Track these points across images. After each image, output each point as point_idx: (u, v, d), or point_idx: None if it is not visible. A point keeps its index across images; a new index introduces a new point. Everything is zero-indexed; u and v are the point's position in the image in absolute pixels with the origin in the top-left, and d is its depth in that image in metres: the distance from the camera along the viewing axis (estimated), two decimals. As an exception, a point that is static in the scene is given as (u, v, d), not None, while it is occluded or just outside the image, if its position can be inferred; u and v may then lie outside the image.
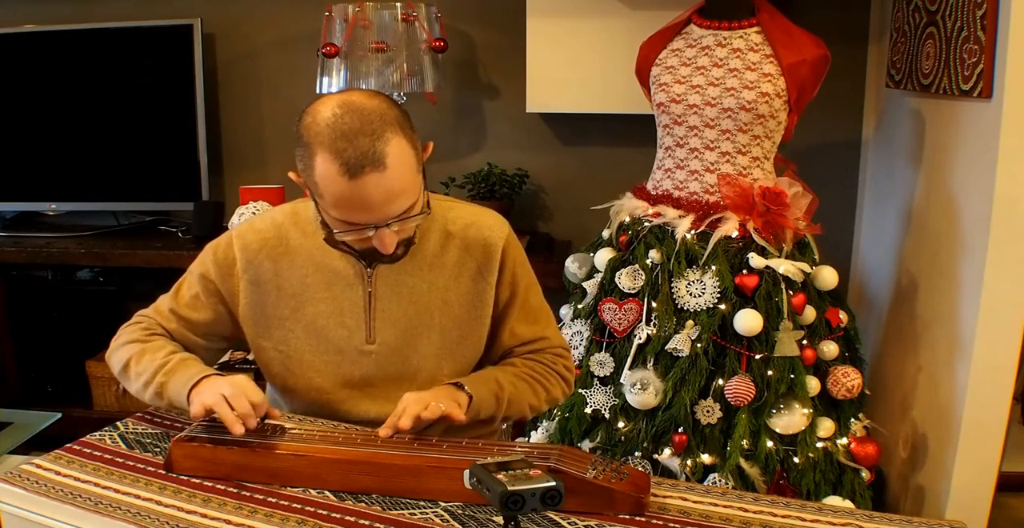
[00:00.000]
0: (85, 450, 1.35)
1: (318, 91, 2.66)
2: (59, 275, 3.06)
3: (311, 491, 1.24)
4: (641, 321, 2.17)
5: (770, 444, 2.09)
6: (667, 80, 2.19)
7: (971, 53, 1.97)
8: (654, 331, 2.15)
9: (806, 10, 2.66)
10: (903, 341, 2.42)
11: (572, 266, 2.40)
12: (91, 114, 2.95)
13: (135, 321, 1.54)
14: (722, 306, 2.11)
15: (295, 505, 1.20)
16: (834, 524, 1.18)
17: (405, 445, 1.28)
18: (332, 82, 2.64)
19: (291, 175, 1.38)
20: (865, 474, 2.19)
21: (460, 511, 1.19)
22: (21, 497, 1.21)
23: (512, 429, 2.38)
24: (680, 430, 2.11)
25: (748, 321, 2.07)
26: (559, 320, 2.30)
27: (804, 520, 1.19)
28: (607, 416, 2.21)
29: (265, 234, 1.48)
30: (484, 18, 2.89)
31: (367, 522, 1.16)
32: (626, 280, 2.19)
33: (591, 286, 2.29)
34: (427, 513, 1.19)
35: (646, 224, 2.21)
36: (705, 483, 2.09)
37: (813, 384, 2.14)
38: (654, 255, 2.17)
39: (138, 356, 1.45)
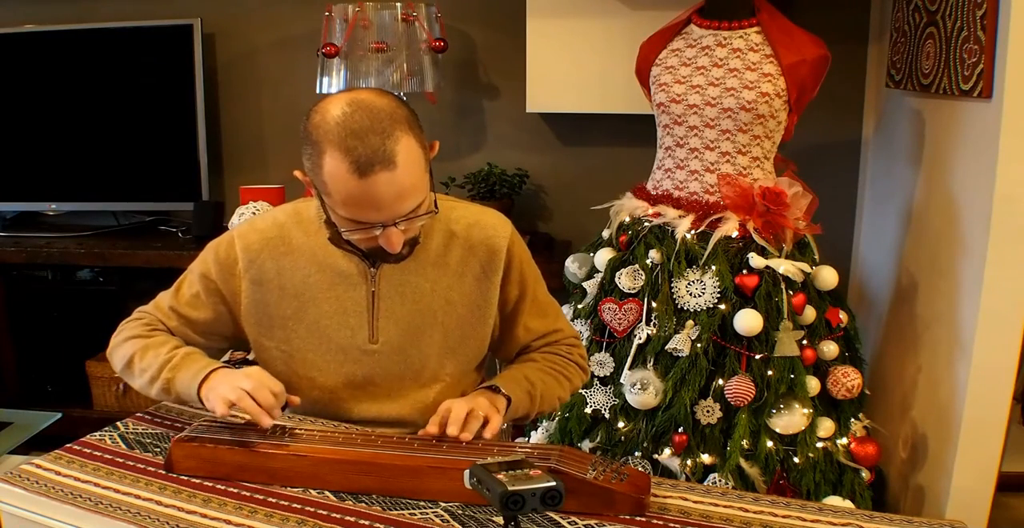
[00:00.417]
0: (85, 450, 1.35)
1: (318, 91, 2.66)
2: (59, 275, 3.06)
3: (311, 491, 1.24)
4: (641, 321, 2.17)
5: (770, 444, 2.09)
6: (667, 80, 2.19)
7: (971, 53, 1.97)
8: (654, 331, 2.15)
9: (806, 10, 2.66)
10: (903, 341, 2.42)
11: (572, 266, 2.40)
12: (91, 114, 2.95)
13: (135, 317, 1.54)
14: (722, 306, 2.11)
15: (295, 505, 1.20)
16: (834, 524, 1.18)
17: (405, 445, 1.28)
18: (332, 82, 2.64)
19: (296, 174, 1.38)
20: (865, 474, 2.19)
21: (460, 511, 1.19)
22: (21, 497, 1.21)
23: (512, 429, 2.38)
24: (680, 430, 2.11)
25: (748, 321, 2.07)
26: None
27: (804, 520, 1.19)
28: (607, 416, 2.21)
29: (267, 233, 1.48)
30: (484, 18, 2.89)
31: (367, 522, 1.16)
32: (626, 280, 2.19)
33: (591, 286, 2.29)
34: (427, 513, 1.19)
35: (646, 224, 2.21)
36: (705, 483, 2.09)
37: (813, 384, 2.14)
38: (654, 255, 2.17)
39: (141, 352, 1.44)
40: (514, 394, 1.43)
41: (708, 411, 2.10)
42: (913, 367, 2.34)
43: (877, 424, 2.34)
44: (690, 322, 2.12)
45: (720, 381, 2.10)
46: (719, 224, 2.14)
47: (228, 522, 1.15)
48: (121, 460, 1.32)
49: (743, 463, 2.08)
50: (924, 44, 2.26)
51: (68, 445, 1.36)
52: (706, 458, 2.11)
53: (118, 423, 1.45)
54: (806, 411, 2.10)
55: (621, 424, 2.19)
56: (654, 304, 2.15)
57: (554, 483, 0.95)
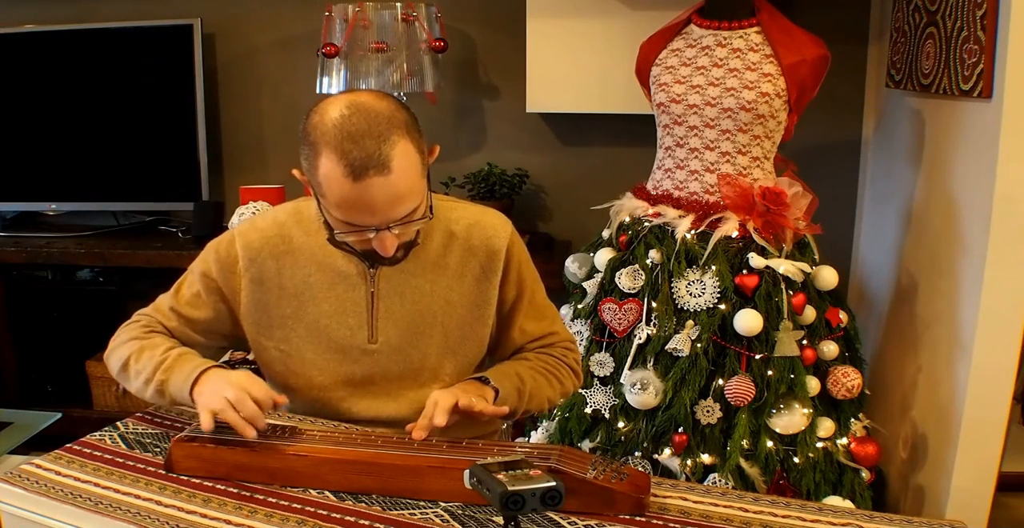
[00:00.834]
0: (85, 450, 1.35)
1: (318, 91, 2.66)
2: (59, 275, 3.06)
3: (311, 491, 1.24)
4: (641, 321, 2.17)
5: (770, 444, 2.09)
6: (667, 80, 2.19)
7: (971, 53, 1.97)
8: (654, 331, 2.15)
9: (806, 10, 2.66)
10: (903, 341, 2.42)
11: (572, 266, 2.40)
12: (91, 114, 2.95)
13: (134, 320, 1.54)
14: (722, 306, 2.11)
15: (295, 505, 1.20)
16: (834, 524, 1.18)
17: (405, 445, 1.28)
18: (332, 82, 2.64)
19: (295, 173, 1.38)
20: (865, 474, 2.19)
21: (460, 511, 1.19)
22: (21, 497, 1.21)
23: (512, 429, 2.38)
24: (680, 430, 2.11)
25: (748, 321, 2.07)
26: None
27: (804, 520, 1.19)
28: (607, 416, 2.21)
29: (267, 233, 1.48)
30: (484, 18, 2.89)
31: (367, 522, 1.16)
32: (626, 280, 2.19)
33: (591, 286, 2.29)
34: (427, 513, 1.19)
35: (646, 224, 2.21)
36: (705, 483, 2.09)
37: (813, 384, 2.14)
38: (654, 255, 2.17)
39: (137, 354, 1.44)
40: (503, 387, 1.42)
41: (708, 411, 2.10)
42: (913, 367, 2.34)
43: (877, 424, 2.34)
44: (690, 322, 2.12)
45: (720, 381, 2.10)
46: (719, 224, 2.14)
47: (228, 522, 1.15)
48: (121, 460, 1.32)
49: (743, 463, 2.08)
50: (924, 44, 2.26)
51: (68, 445, 1.36)
52: (706, 458, 2.11)
53: (118, 423, 1.45)
54: (806, 411, 2.10)
55: (621, 424, 2.19)
56: (654, 304, 2.15)
57: (554, 483, 0.95)
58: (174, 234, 2.97)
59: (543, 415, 2.35)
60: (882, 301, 2.61)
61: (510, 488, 0.93)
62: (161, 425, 1.45)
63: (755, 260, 2.10)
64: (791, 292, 2.12)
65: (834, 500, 2.10)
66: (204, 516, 1.16)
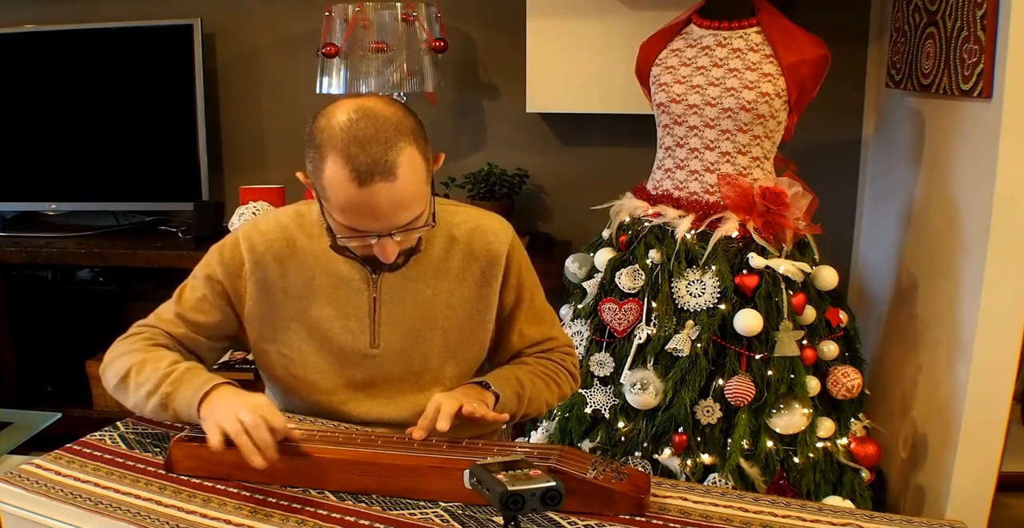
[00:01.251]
0: (85, 450, 1.35)
1: (318, 91, 2.66)
2: (59, 275, 3.06)
3: (311, 491, 1.24)
4: (641, 321, 2.17)
5: (770, 444, 2.09)
6: (667, 80, 2.19)
7: (971, 53, 1.97)
8: (654, 331, 2.15)
9: (806, 10, 2.66)
10: (903, 341, 2.42)
11: (572, 266, 2.40)
12: (91, 114, 2.95)
13: (133, 332, 1.49)
14: (722, 306, 2.11)
15: (295, 505, 1.20)
16: (834, 524, 1.18)
17: (405, 445, 1.28)
18: (332, 82, 2.64)
19: (299, 175, 1.38)
20: (865, 474, 2.19)
21: (460, 511, 1.19)
22: (21, 497, 1.21)
23: (512, 429, 2.37)
24: (680, 430, 2.11)
25: (748, 321, 2.07)
26: (559, 320, 2.30)
27: (804, 520, 1.19)
28: (607, 416, 2.21)
29: (270, 236, 1.47)
30: (484, 18, 2.89)
31: (367, 522, 1.16)
32: (626, 280, 2.19)
33: (591, 286, 2.29)
34: (427, 513, 1.19)
35: (646, 224, 2.21)
36: (705, 483, 2.09)
37: (813, 384, 2.14)
38: (654, 255, 2.17)
39: (139, 366, 1.39)
40: (503, 392, 1.42)
41: (708, 411, 2.10)
42: (913, 367, 2.34)
43: (877, 424, 2.34)
44: (690, 322, 2.12)
45: (720, 381, 2.10)
46: (719, 224, 2.14)
47: (228, 522, 1.15)
48: (121, 460, 1.32)
49: (743, 463, 2.08)
50: (924, 44, 2.26)
51: (68, 445, 1.36)
52: (706, 458, 2.11)
53: (118, 423, 1.45)
54: (806, 411, 2.10)
55: (621, 424, 2.19)
56: (654, 304, 2.15)
57: (554, 483, 0.95)
58: (174, 234, 2.97)
59: (543, 416, 2.35)
60: (882, 301, 2.61)
61: (510, 488, 0.93)
62: (161, 425, 1.45)
63: (755, 260, 2.10)
64: (791, 292, 2.12)
65: (834, 500, 2.10)
66: (204, 516, 1.16)
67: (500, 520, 1.16)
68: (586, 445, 2.23)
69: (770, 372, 2.09)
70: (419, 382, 1.49)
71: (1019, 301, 1.96)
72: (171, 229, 3.03)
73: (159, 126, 2.93)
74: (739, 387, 2.06)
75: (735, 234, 2.13)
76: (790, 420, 2.09)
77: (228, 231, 2.45)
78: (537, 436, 2.38)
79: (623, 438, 2.19)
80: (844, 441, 2.19)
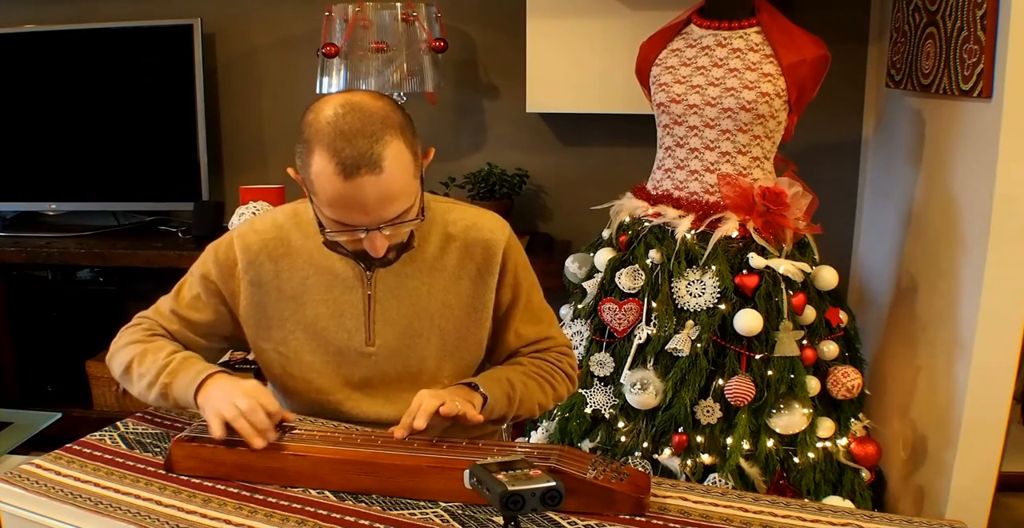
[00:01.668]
0: (85, 450, 1.35)
1: (318, 91, 2.66)
2: (59, 275, 3.06)
3: (311, 491, 1.24)
4: (641, 321, 2.17)
5: (770, 444, 2.09)
6: (667, 80, 2.19)
7: (971, 53, 1.97)
8: (654, 331, 2.15)
9: (806, 10, 2.66)
10: (903, 341, 2.42)
11: (572, 266, 2.40)
12: (91, 114, 2.95)
13: (135, 323, 1.53)
14: (722, 306, 2.11)
15: (295, 505, 1.20)
16: (834, 524, 1.18)
17: (405, 445, 1.28)
18: (332, 82, 2.64)
19: (289, 171, 1.38)
20: (865, 474, 2.19)
21: (460, 511, 1.19)
22: (21, 497, 1.21)
23: (512, 429, 2.38)
24: (680, 430, 2.11)
25: (748, 321, 2.07)
26: (559, 320, 2.30)
27: (804, 520, 1.19)
28: (607, 416, 2.21)
29: (266, 235, 1.48)
30: (484, 18, 2.89)
31: (367, 522, 1.16)
32: (626, 280, 2.19)
33: (591, 286, 2.29)
34: (427, 513, 1.19)
35: (646, 224, 2.21)
36: (705, 483, 2.09)
37: (813, 384, 2.14)
38: (654, 255, 2.17)
39: (140, 357, 1.44)
40: (492, 394, 1.41)
41: (708, 411, 2.10)
42: (913, 367, 2.34)
43: (877, 424, 2.34)
44: (690, 322, 2.12)
45: (720, 381, 2.10)
46: (719, 224, 2.14)
47: (228, 522, 1.15)
48: (121, 460, 1.32)
49: (743, 463, 2.08)
50: (924, 44, 2.26)
51: (68, 445, 1.36)
52: (706, 458, 2.11)
53: (118, 423, 1.45)
54: (806, 411, 2.10)
55: (621, 424, 2.19)
56: (654, 304, 2.15)
57: (554, 483, 0.95)
58: (174, 234, 2.97)
59: (543, 415, 2.35)
60: (882, 301, 2.61)
61: (510, 488, 0.93)
62: (161, 425, 1.46)
63: (755, 260, 2.10)
64: (791, 292, 2.12)
65: (834, 500, 2.10)
66: (204, 516, 1.16)
67: (500, 520, 1.16)
68: (586, 445, 2.23)
69: (770, 372, 2.09)
70: (417, 381, 1.49)
71: (1019, 301, 1.96)
72: (171, 229, 3.03)
73: (159, 126, 2.93)
74: (739, 387, 2.06)
75: (735, 234, 2.13)
76: (790, 420, 2.09)
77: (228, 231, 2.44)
78: (537, 436, 2.38)
79: (623, 438, 2.19)
80: (844, 441, 2.19)
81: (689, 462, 2.11)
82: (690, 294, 2.13)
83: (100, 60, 2.91)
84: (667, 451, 2.13)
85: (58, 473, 1.27)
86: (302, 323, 1.47)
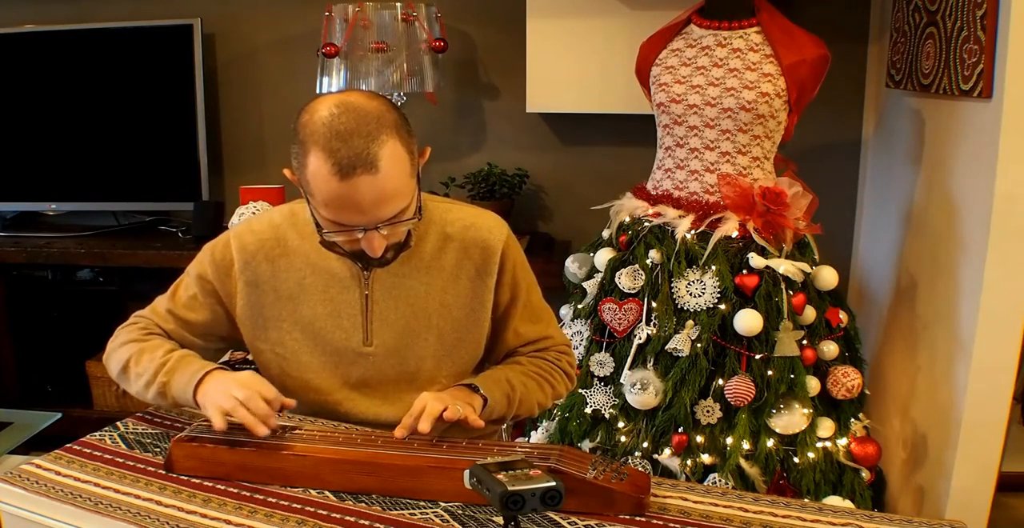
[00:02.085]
0: (85, 450, 1.35)
1: (318, 91, 2.66)
2: (59, 275, 3.06)
3: (311, 491, 1.24)
4: (641, 321, 2.17)
5: (770, 444, 2.09)
6: (667, 80, 2.19)
7: (971, 53, 1.97)
8: (654, 331, 2.15)
9: (806, 10, 2.66)
10: (903, 341, 2.42)
11: (572, 266, 2.40)
12: (91, 114, 2.95)
13: (131, 322, 1.53)
14: (722, 306, 2.11)
15: (295, 505, 1.20)
16: (834, 524, 1.18)
17: (405, 445, 1.28)
18: (332, 82, 2.64)
19: (285, 172, 1.38)
20: (865, 474, 2.19)
21: (460, 511, 1.19)
22: (21, 497, 1.21)
23: (512, 429, 2.38)
24: (680, 430, 2.11)
25: (748, 321, 2.07)
26: (559, 320, 2.30)
27: (804, 520, 1.19)
28: (607, 416, 2.21)
29: (262, 235, 1.48)
30: (484, 18, 2.89)
31: (367, 522, 1.16)
32: (626, 280, 2.19)
33: (591, 286, 2.29)
34: (427, 513, 1.19)
35: (646, 224, 2.21)
36: (705, 483, 2.09)
37: (813, 384, 2.14)
38: (654, 255, 2.17)
39: (137, 356, 1.44)
40: (492, 395, 1.42)
41: (708, 411, 2.10)
42: (913, 367, 2.34)
43: (877, 424, 2.34)
44: (690, 322, 2.12)
45: (720, 381, 2.10)
46: (719, 224, 2.14)
47: (228, 522, 1.15)
48: (121, 460, 1.32)
49: (743, 463, 2.08)
50: (924, 44, 2.26)
51: (68, 445, 1.36)
52: (706, 458, 2.11)
53: (118, 423, 1.45)
54: (806, 411, 2.10)
55: (621, 424, 2.19)
56: (654, 304, 2.15)
57: (554, 483, 0.95)
58: (174, 234, 2.97)
59: (543, 415, 2.35)
60: (882, 301, 2.61)
61: (510, 488, 0.93)
62: (161, 425, 1.46)
63: (755, 260, 2.10)
64: (791, 292, 2.12)
65: (834, 500, 2.10)
66: (204, 516, 1.16)
67: (500, 520, 1.16)
68: (586, 445, 2.23)
69: (770, 372, 2.09)
70: (415, 381, 1.49)
71: (1019, 301, 1.96)
72: (171, 229, 3.03)
73: (159, 126, 2.93)
74: (739, 387, 2.06)
75: (735, 234, 2.13)
76: (790, 420, 2.09)
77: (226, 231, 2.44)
78: (537, 436, 2.38)
79: (623, 438, 2.19)
80: (844, 441, 2.19)
81: (689, 462, 2.11)
82: (690, 294, 2.13)
83: (100, 60, 2.91)
84: (667, 451, 2.13)
85: (58, 473, 1.27)
86: (299, 323, 1.47)
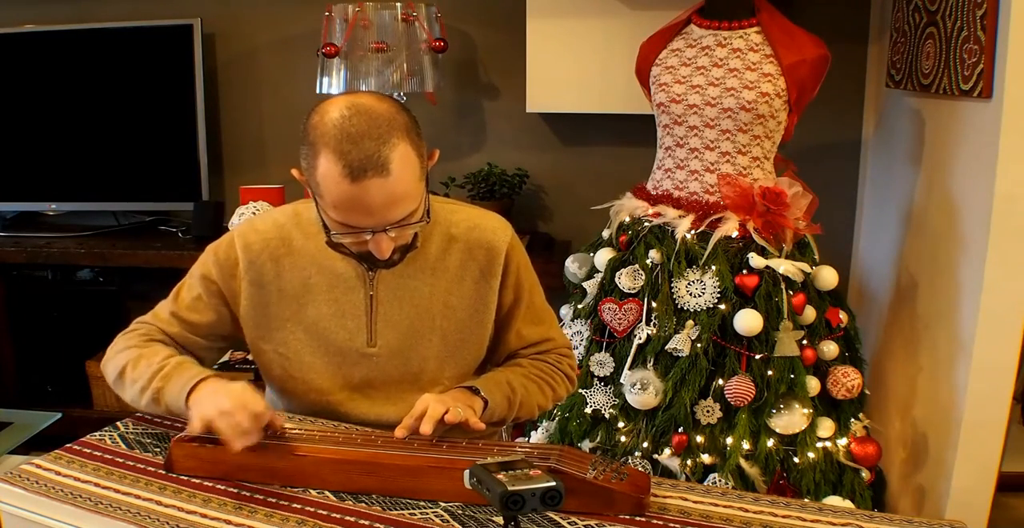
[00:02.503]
0: (85, 450, 1.35)
1: (318, 91, 2.66)
2: (59, 275, 3.06)
3: (311, 491, 1.24)
4: (641, 321, 2.17)
5: (770, 444, 2.09)
6: (667, 80, 2.19)
7: (971, 53, 1.97)
8: (654, 331, 2.15)
9: (806, 10, 2.66)
10: (903, 341, 2.42)
11: (572, 266, 2.40)
12: (91, 114, 2.95)
13: (132, 328, 1.51)
14: (722, 306, 2.11)
15: (295, 505, 1.20)
16: (834, 524, 1.18)
17: (405, 445, 1.28)
18: (332, 82, 2.64)
19: (294, 172, 1.38)
20: (865, 474, 2.19)
21: (460, 511, 1.19)
22: (21, 497, 1.21)
23: (512, 429, 2.38)
24: (680, 430, 2.11)
25: (748, 321, 2.07)
26: (559, 320, 2.30)
27: (804, 520, 1.19)
28: (607, 416, 2.21)
29: (267, 235, 1.47)
30: (484, 18, 2.89)
31: (367, 522, 1.16)
32: (626, 280, 2.19)
33: (591, 286, 2.29)
34: (427, 513, 1.19)
35: (646, 224, 2.21)
36: (705, 483, 2.09)
37: (813, 384, 2.14)
38: (654, 255, 2.17)
39: (134, 362, 1.42)
40: (493, 398, 1.41)
41: (708, 411, 2.10)
42: (913, 367, 2.34)
43: (877, 424, 2.34)
44: (690, 322, 2.12)
45: (720, 381, 2.10)
46: (719, 224, 2.14)
47: (228, 522, 1.15)
48: (121, 460, 1.32)
49: (743, 463, 2.08)
50: (924, 44, 2.26)
51: (68, 445, 1.36)
52: (706, 458, 2.11)
53: (118, 423, 1.45)
54: (806, 411, 2.10)
55: (621, 424, 2.19)
56: (654, 304, 2.15)
57: (554, 483, 0.95)
58: (174, 234, 2.97)
59: (543, 415, 2.35)
60: (882, 301, 2.61)
61: (510, 488, 0.93)
62: (161, 425, 1.46)
63: (755, 260, 2.10)
64: (791, 292, 2.12)
65: (834, 500, 2.10)
66: (204, 516, 1.16)
67: (500, 520, 1.16)
68: (586, 445, 2.23)
69: (770, 372, 2.09)
70: (417, 382, 1.49)
71: (1019, 301, 1.96)
72: (171, 229, 3.03)
73: (159, 126, 2.93)
74: (739, 387, 2.06)
75: (735, 234, 2.13)
76: (790, 420, 2.09)
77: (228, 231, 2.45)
78: (537, 436, 2.38)
79: (623, 438, 2.19)
80: (844, 441, 2.19)
81: (689, 462, 2.11)
82: (690, 294, 2.13)
83: (100, 60, 2.91)
84: (667, 451, 2.13)
85: (58, 473, 1.27)
86: (303, 323, 1.47)
